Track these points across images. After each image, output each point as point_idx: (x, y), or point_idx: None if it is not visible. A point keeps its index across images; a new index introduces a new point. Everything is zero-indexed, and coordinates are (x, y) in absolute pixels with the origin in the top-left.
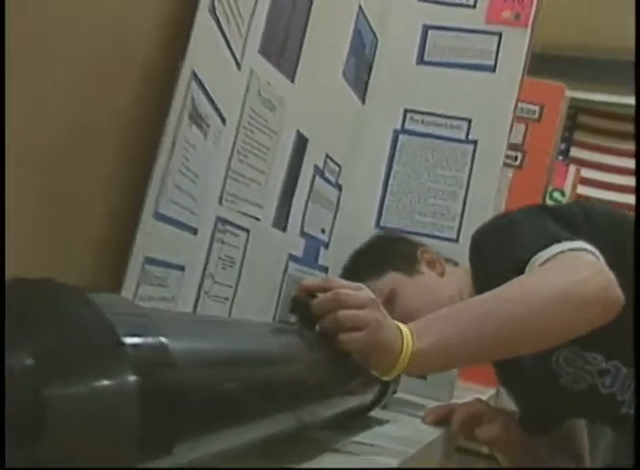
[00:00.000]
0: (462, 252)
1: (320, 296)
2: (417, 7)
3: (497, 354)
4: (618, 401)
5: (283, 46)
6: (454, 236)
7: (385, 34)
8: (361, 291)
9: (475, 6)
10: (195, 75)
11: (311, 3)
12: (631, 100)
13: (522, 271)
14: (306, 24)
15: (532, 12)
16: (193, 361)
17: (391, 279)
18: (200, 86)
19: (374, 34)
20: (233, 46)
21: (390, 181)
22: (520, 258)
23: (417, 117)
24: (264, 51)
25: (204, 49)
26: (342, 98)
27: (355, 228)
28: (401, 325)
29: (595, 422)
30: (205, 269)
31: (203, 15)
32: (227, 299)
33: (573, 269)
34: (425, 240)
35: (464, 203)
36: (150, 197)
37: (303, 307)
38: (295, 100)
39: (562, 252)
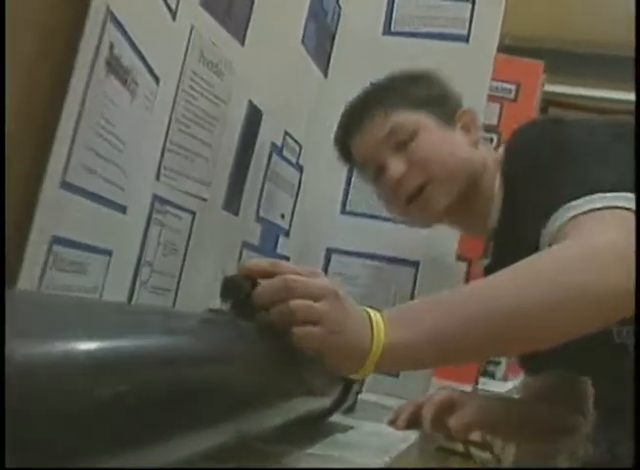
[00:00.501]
0: (435, 238)
1: (263, 282)
2: None
3: (491, 354)
4: (629, 353)
5: (230, 1)
6: None
7: (348, 2)
8: (317, 278)
9: None
10: (112, 15)
11: None
12: (602, 93)
13: (549, 213)
14: None
15: None
16: (58, 365)
17: (421, 120)
18: (120, 30)
19: (337, 2)
20: None
21: None
22: (554, 199)
23: None
24: (207, 4)
25: None
26: (301, 68)
27: (319, 214)
28: (371, 311)
29: (599, 374)
30: (140, 256)
31: None
32: (169, 291)
33: (598, 255)
34: (395, 225)
35: None
36: (54, 160)
37: (240, 293)
38: (245, 65)
39: (598, 209)
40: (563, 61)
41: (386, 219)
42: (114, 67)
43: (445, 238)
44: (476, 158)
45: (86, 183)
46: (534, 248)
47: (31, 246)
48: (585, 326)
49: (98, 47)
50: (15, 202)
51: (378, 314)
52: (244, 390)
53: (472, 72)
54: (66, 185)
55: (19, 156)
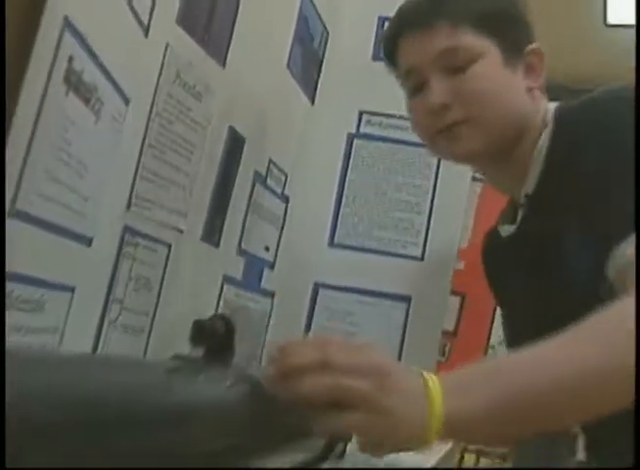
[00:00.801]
0: (427, 272)
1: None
2: None
3: (557, 425)
4: None
5: (209, 20)
6: (419, 254)
7: (336, 26)
8: (361, 352)
9: None
10: (70, 24)
11: None
12: None
13: (619, 231)
14: None
15: None
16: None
17: (486, 49)
18: (80, 42)
19: (324, 26)
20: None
21: (345, 192)
22: (622, 203)
23: (374, 119)
24: (184, 22)
25: None
26: (286, 93)
27: (305, 246)
28: (429, 378)
29: None
30: (109, 292)
31: None
32: (142, 331)
33: None
34: (386, 258)
35: (429, 216)
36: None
37: (214, 337)
38: (226, 88)
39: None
40: (554, 95)
41: (376, 252)
42: (75, 83)
43: (438, 272)
44: (528, 109)
45: (42, 212)
46: (573, 230)
47: None
48: None
49: (54, 59)
50: None
51: (437, 383)
52: (222, 445)
53: None
54: (17, 213)
55: None
